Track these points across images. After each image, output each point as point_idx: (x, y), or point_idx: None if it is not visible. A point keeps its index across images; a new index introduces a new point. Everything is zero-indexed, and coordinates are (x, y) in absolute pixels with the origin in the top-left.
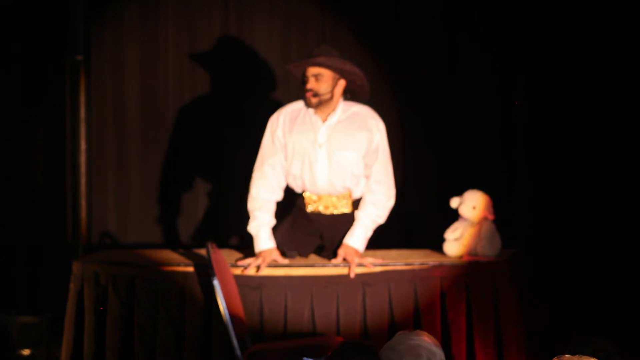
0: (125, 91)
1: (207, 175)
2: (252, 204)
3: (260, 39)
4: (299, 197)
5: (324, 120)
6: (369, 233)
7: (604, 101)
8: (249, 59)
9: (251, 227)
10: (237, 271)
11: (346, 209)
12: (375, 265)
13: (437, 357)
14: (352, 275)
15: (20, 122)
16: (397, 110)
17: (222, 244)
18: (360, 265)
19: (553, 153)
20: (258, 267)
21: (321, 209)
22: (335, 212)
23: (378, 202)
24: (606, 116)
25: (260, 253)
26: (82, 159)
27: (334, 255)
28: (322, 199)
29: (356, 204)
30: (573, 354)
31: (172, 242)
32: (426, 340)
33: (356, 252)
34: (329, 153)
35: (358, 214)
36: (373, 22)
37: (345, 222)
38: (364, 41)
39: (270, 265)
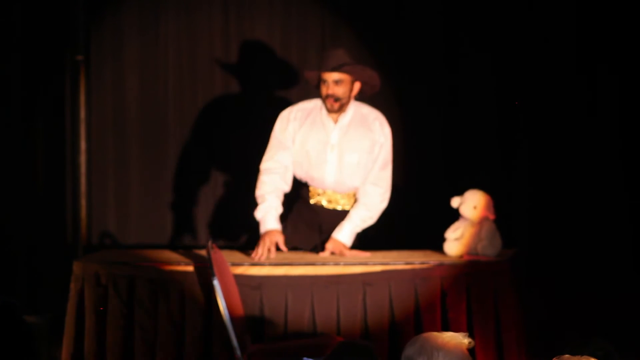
0: (125, 91)
1: (207, 175)
2: (263, 189)
3: (260, 39)
4: (304, 187)
5: (336, 121)
6: (357, 230)
7: (604, 101)
8: (249, 58)
9: (259, 210)
10: (238, 271)
11: (348, 206)
12: (374, 262)
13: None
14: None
15: (20, 122)
16: (397, 110)
17: (223, 244)
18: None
19: (553, 153)
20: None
21: (324, 202)
22: (338, 207)
23: (371, 204)
24: (606, 116)
25: (265, 234)
26: (82, 159)
27: (322, 248)
28: (327, 193)
29: None
30: (572, 354)
31: (172, 242)
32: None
33: (344, 245)
34: (340, 155)
35: (350, 211)
36: (373, 22)
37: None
38: (364, 41)
39: (270, 265)
